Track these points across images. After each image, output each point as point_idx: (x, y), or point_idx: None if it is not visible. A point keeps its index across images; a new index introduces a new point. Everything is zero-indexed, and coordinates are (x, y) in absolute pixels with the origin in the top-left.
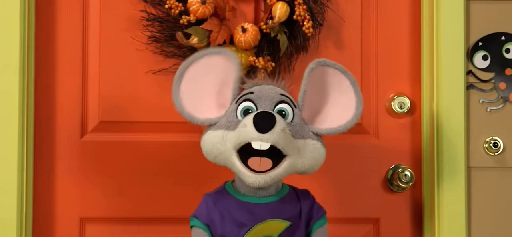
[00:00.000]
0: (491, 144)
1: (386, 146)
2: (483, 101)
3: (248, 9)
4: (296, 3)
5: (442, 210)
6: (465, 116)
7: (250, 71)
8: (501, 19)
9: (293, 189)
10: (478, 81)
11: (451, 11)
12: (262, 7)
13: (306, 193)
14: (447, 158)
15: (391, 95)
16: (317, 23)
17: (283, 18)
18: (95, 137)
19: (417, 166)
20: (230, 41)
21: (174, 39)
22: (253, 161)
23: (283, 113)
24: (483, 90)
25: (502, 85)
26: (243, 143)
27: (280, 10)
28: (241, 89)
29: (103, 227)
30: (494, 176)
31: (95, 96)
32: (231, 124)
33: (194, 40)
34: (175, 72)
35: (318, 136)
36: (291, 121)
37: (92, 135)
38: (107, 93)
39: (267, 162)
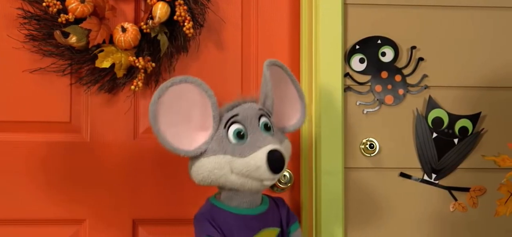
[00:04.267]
0: (367, 145)
1: None
2: (359, 103)
3: (128, 9)
4: (176, 3)
5: (320, 210)
6: (342, 118)
7: (130, 71)
8: (377, 23)
9: (271, 198)
10: (355, 84)
11: (329, 15)
12: (143, 7)
13: (281, 200)
14: (325, 159)
15: None
16: (197, 24)
17: (164, 18)
18: None
19: (295, 167)
20: (109, 41)
21: (52, 38)
22: None
23: (268, 126)
24: (360, 92)
25: (378, 88)
26: (253, 177)
27: (160, 10)
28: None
29: None
30: (370, 177)
31: None
32: (228, 149)
33: (72, 39)
34: (53, 71)
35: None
36: (274, 131)
37: None
38: None
39: None
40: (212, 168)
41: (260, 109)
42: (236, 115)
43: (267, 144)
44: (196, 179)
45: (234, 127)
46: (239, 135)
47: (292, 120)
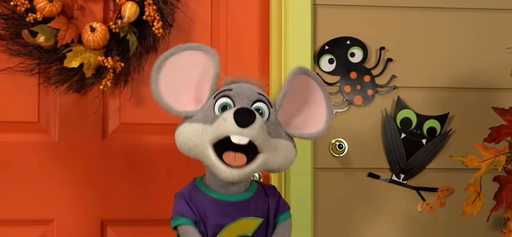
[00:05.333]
0: (337, 146)
1: None
2: None
3: (97, 8)
4: (146, 3)
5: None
6: None
7: (99, 70)
8: (346, 24)
9: (260, 185)
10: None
11: (299, 15)
12: (112, 6)
13: (273, 188)
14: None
15: None
16: (167, 24)
17: (133, 18)
18: None
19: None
20: (78, 40)
21: (20, 37)
22: (228, 155)
23: (260, 111)
24: (329, 93)
25: (347, 88)
26: (221, 137)
27: (129, 10)
28: (219, 85)
29: None
30: (338, 177)
31: None
32: (209, 118)
33: (40, 39)
34: (21, 70)
35: (290, 137)
36: (267, 120)
37: None
38: None
39: (241, 157)
40: (191, 134)
41: (260, 94)
42: (230, 90)
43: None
44: (177, 144)
45: (221, 100)
46: (224, 109)
47: (310, 129)
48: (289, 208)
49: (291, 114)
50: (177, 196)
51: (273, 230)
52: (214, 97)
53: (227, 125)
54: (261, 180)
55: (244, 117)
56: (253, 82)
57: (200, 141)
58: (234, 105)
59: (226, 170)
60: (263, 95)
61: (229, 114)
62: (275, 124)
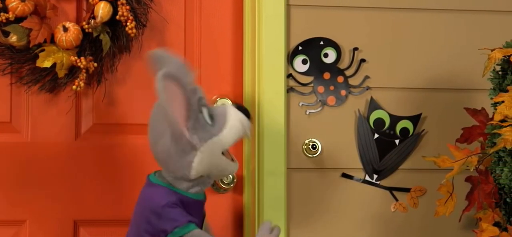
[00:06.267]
0: (310, 146)
1: None
2: (302, 104)
3: (70, 8)
4: (119, 3)
5: (263, 211)
6: (285, 119)
7: (72, 70)
8: (320, 24)
9: None
10: (298, 85)
11: (272, 15)
12: (85, 6)
13: None
14: (267, 160)
15: (214, 97)
16: (140, 24)
17: (106, 18)
18: None
19: (238, 167)
20: (51, 40)
21: None
22: (227, 153)
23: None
24: (302, 93)
25: (321, 89)
26: (238, 138)
27: (102, 10)
28: None
29: None
30: (312, 178)
31: None
32: (212, 131)
33: (13, 38)
34: None
35: None
36: None
37: None
38: None
39: None
40: (211, 154)
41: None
42: (202, 97)
43: (227, 109)
44: (195, 171)
45: (206, 110)
46: (211, 116)
47: None
48: None
49: None
50: (169, 206)
51: None
52: (200, 112)
53: (244, 125)
54: (235, 181)
55: (247, 111)
56: None
57: (216, 156)
58: (209, 107)
59: (235, 164)
60: None
61: (241, 116)
62: None
